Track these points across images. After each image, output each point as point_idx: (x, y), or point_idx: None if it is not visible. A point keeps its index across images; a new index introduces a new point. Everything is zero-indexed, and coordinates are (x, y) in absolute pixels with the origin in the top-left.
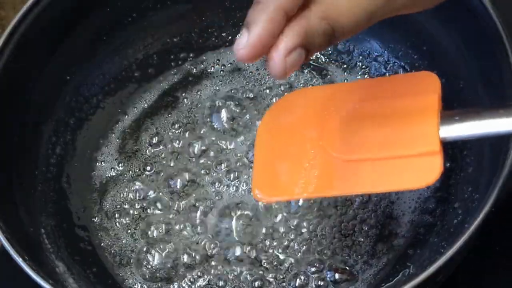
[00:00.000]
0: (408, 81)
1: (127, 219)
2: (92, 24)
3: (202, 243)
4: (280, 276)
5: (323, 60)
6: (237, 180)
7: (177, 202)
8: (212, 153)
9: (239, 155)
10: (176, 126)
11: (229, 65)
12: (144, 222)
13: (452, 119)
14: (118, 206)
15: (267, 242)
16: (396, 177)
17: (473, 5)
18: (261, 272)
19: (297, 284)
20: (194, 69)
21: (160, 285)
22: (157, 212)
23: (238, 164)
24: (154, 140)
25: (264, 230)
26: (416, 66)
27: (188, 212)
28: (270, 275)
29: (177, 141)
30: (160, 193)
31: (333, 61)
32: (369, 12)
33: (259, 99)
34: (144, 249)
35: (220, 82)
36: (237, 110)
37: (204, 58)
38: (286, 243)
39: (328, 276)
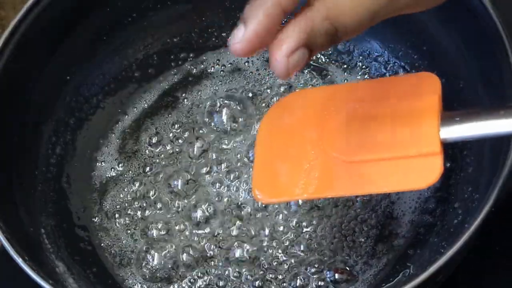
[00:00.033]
0: (408, 82)
1: (127, 219)
2: (92, 24)
3: (202, 243)
4: (280, 276)
5: (323, 60)
6: (237, 180)
7: (177, 202)
8: (212, 153)
9: (239, 155)
10: (176, 126)
11: (229, 65)
12: (144, 222)
13: (452, 120)
14: (118, 206)
15: (267, 242)
16: (396, 178)
17: (473, 5)
18: (261, 272)
19: (297, 284)
20: (194, 69)
21: (160, 285)
22: (157, 212)
23: (238, 164)
24: (154, 140)
25: (264, 230)
26: (416, 66)
27: (188, 212)
28: (270, 275)
29: (177, 141)
30: (160, 193)
31: (333, 61)
32: (372, 12)
33: (259, 99)
34: (144, 249)
35: (220, 82)
36: (237, 110)
37: (204, 58)
38: (286, 243)
39: (328, 276)
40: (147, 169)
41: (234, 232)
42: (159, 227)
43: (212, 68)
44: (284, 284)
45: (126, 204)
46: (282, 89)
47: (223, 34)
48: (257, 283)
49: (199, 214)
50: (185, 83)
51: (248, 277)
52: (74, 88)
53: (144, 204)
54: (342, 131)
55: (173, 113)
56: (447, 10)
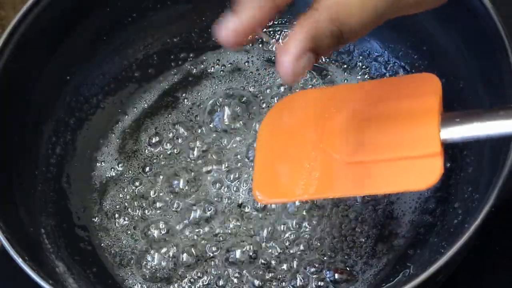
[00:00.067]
0: (409, 82)
1: (127, 219)
2: (92, 24)
3: (202, 243)
4: (280, 276)
5: (323, 60)
6: (237, 180)
7: (177, 202)
8: (212, 153)
9: (239, 155)
10: (176, 126)
11: (229, 65)
12: (144, 222)
13: (452, 121)
14: (118, 206)
15: (267, 242)
16: (396, 179)
17: (473, 5)
18: (261, 272)
19: (297, 284)
20: (194, 69)
21: (160, 285)
22: (157, 212)
23: (238, 164)
24: (154, 140)
25: (264, 230)
26: (416, 66)
27: (188, 212)
28: (270, 275)
29: (177, 141)
30: (160, 193)
31: (333, 61)
32: (380, 12)
33: (259, 99)
34: (144, 249)
35: (220, 82)
36: (237, 110)
37: (204, 58)
38: (286, 243)
39: (328, 276)
40: (147, 169)
41: (234, 232)
42: (159, 227)
43: (212, 68)
44: (284, 284)
45: (126, 204)
46: (282, 89)
47: None
48: (257, 283)
49: (199, 214)
50: (185, 83)
51: (248, 277)
52: (74, 88)
53: (144, 204)
54: (342, 132)
55: (173, 113)
56: (447, 10)
